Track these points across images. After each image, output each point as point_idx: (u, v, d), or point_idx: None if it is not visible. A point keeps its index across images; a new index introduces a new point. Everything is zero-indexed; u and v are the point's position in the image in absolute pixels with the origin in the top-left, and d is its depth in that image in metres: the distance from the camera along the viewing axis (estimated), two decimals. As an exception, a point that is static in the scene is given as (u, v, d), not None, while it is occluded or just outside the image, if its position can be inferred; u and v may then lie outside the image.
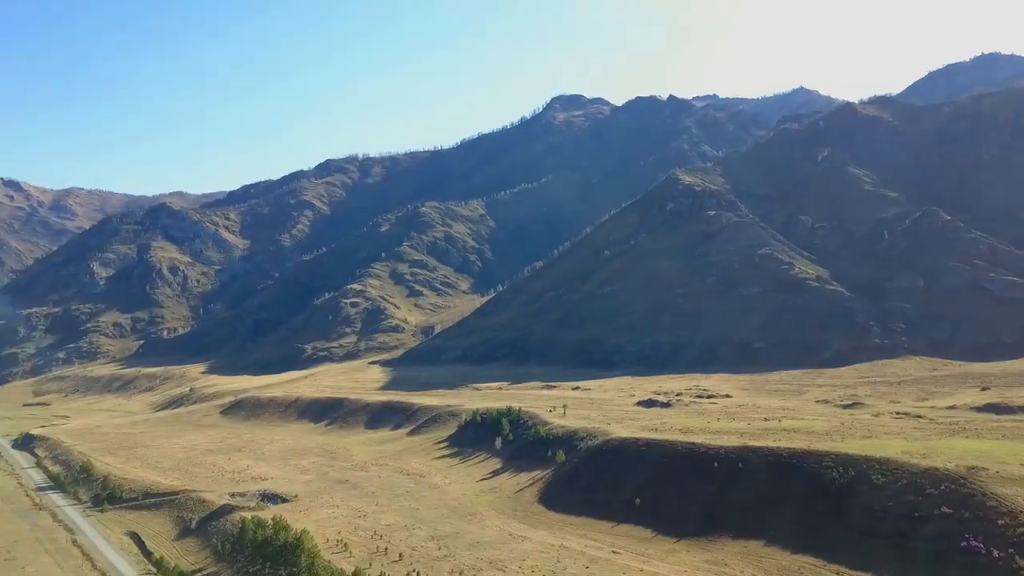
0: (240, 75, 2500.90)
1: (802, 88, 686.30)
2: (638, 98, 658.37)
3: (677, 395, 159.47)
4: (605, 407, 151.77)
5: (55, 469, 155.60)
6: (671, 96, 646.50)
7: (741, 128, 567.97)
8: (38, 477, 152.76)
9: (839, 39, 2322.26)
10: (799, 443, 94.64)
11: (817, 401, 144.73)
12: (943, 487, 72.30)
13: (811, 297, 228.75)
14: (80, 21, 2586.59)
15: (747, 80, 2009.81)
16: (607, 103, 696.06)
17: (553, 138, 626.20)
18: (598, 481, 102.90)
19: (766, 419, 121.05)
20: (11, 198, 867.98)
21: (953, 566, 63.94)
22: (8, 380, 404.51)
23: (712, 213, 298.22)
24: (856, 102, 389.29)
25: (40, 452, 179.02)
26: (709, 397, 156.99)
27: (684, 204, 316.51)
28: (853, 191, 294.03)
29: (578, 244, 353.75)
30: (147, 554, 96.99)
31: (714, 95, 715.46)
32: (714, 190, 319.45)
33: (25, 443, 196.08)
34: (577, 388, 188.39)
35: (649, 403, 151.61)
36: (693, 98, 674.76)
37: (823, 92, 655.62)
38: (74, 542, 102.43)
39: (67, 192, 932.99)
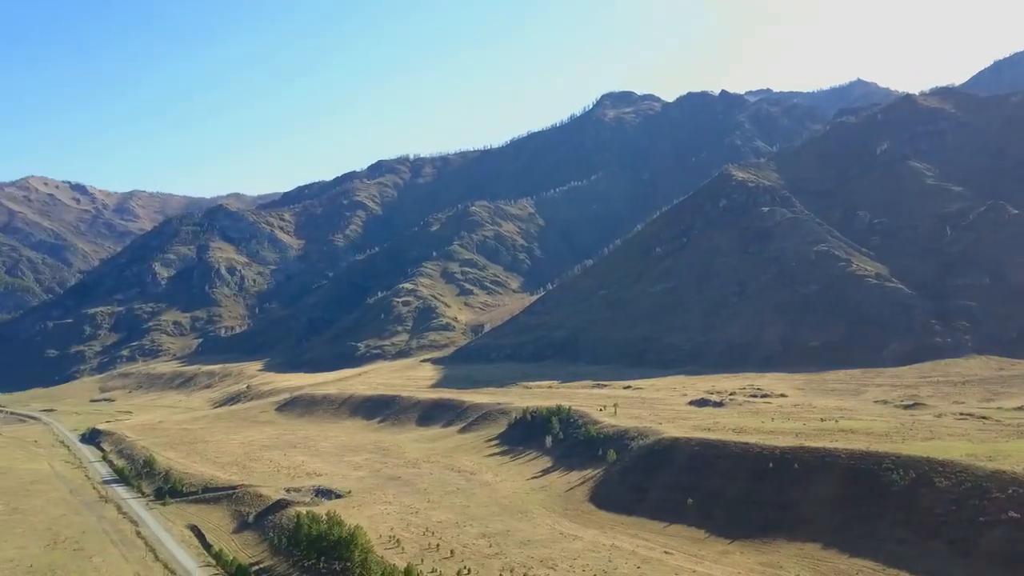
0: (295, 77, 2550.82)
1: (859, 80, 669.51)
2: (689, 94, 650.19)
3: (730, 394, 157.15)
4: (657, 406, 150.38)
5: (120, 463, 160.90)
6: (723, 91, 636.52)
7: (796, 122, 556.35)
8: (104, 470, 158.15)
9: (898, 29, 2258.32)
10: (858, 444, 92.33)
11: (876, 401, 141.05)
12: (1011, 491, 69.66)
13: (870, 295, 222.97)
14: (142, 29, 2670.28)
15: (802, 73, 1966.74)
16: (658, 99, 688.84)
17: (603, 135, 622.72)
18: (649, 481, 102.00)
19: (822, 419, 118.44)
20: (78, 201, 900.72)
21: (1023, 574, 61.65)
22: (76, 377, 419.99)
23: (766, 209, 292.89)
24: (917, 93, 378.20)
25: (106, 446, 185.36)
26: (763, 397, 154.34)
27: (737, 200, 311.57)
28: (914, 185, 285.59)
29: (629, 242, 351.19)
30: (207, 546, 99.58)
31: (767, 89, 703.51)
32: (768, 186, 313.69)
33: (92, 438, 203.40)
34: (628, 387, 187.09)
35: (702, 402, 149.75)
36: (746, 93, 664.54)
37: (882, 84, 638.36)
38: (138, 534, 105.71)
39: (130, 195, 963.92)
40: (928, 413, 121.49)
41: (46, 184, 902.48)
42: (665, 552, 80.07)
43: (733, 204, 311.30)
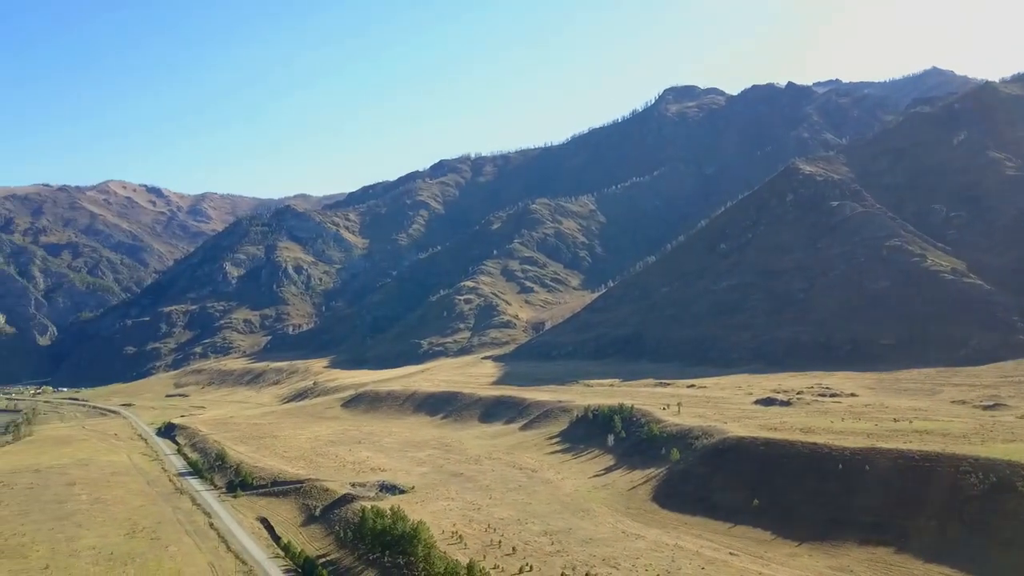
0: (359, 81, 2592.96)
1: (935, 68, 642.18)
2: (754, 86, 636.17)
3: (798, 393, 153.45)
4: (721, 405, 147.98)
5: (193, 456, 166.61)
6: (790, 83, 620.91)
7: (867, 113, 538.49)
8: (179, 463, 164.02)
9: (977, 14, 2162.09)
10: (933, 446, 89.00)
11: (953, 401, 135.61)
12: (1100, 497, 66.22)
13: (946, 291, 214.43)
14: (216, 38, 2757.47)
15: (873, 62, 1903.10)
16: (722, 93, 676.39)
17: (665, 130, 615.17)
18: (714, 481, 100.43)
19: (895, 420, 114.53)
20: (153, 203, 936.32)
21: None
22: (152, 372, 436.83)
23: (835, 204, 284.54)
24: (997, 81, 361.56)
25: (180, 440, 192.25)
26: (832, 396, 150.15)
27: (805, 195, 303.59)
28: (993, 177, 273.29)
29: (692, 238, 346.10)
30: (275, 538, 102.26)
31: (836, 80, 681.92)
32: (837, 180, 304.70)
33: (167, 431, 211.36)
34: (692, 386, 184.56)
35: (768, 401, 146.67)
36: (814, 84, 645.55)
37: (958, 72, 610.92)
38: (211, 525, 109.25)
39: (202, 197, 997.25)
40: (1010, 414, 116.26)
41: (124, 188, 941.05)
42: (730, 553, 78.74)
43: (801, 199, 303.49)
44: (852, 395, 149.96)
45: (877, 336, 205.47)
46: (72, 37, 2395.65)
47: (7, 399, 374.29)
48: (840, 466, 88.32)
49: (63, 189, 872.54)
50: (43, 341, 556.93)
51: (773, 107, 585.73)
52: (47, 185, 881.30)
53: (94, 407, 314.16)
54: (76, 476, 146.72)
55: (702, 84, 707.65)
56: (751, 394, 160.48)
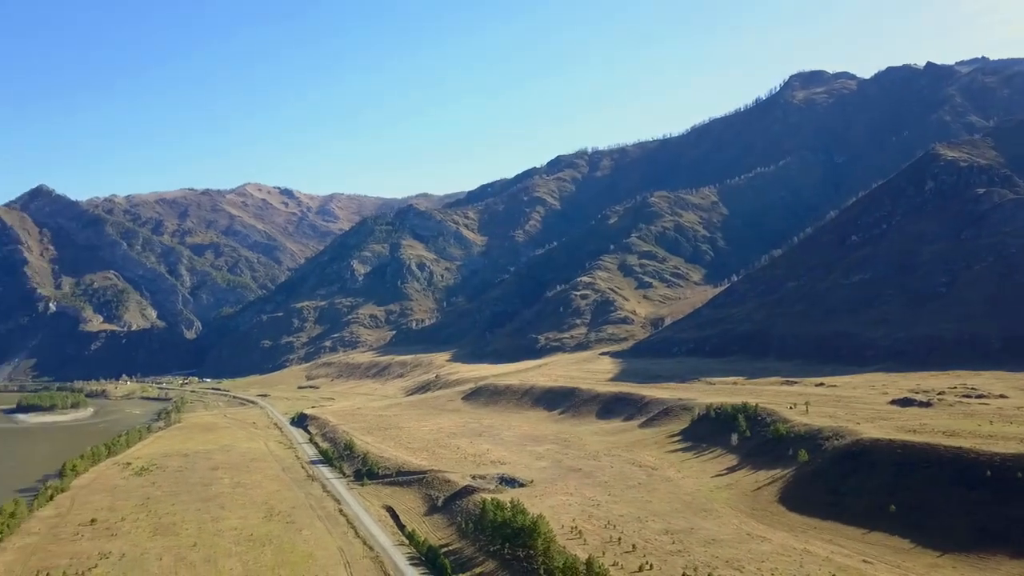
0: (477, 80, 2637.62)
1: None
2: (889, 68, 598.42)
3: (939, 394, 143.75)
4: (853, 405, 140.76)
5: (324, 445, 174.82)
6: (929, 63, 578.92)
7: (1018, 93, 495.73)
8: (311, 451, 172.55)
9: None
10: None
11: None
12: None
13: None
14: (338, 43, 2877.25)
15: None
16: (853, 76, 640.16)
17: (791, 118, 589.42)
18: (845, 484, 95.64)
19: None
20: (286, 204, 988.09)
21: None
22: (286, 365, 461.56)
23: (982, 191, 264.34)
24: None
25: (312, 430, 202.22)
26: (979, 397, 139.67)
27: (947, 182, 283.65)
28: None
29: (821, 230, 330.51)
30: (400, 527, 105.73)
31: (983, 58, 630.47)
32: (984, 165, 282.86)
33: (300, 421, 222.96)
34: (821, 384, 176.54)
35: (905, 402, 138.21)
36: (956, 63, 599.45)
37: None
38: (340, 511, 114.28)
39: (330, 197, 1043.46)
40: None
41: (259, 190, 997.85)
42: (864, 561, 74.77)
43: (941, 186, 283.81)
44: (1002, 396, 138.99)
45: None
46: (217, 51, 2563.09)
47: (159, 389, 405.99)
48: (989, 473, 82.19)
49: (206, 193, 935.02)
50: (189, 335, 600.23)
51: (910, 90, 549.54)
52: (192, 189, 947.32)
53: (234, 397, 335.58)
54: (219, 461, 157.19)
55: (831, 69, 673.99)
56: (886, 394, 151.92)
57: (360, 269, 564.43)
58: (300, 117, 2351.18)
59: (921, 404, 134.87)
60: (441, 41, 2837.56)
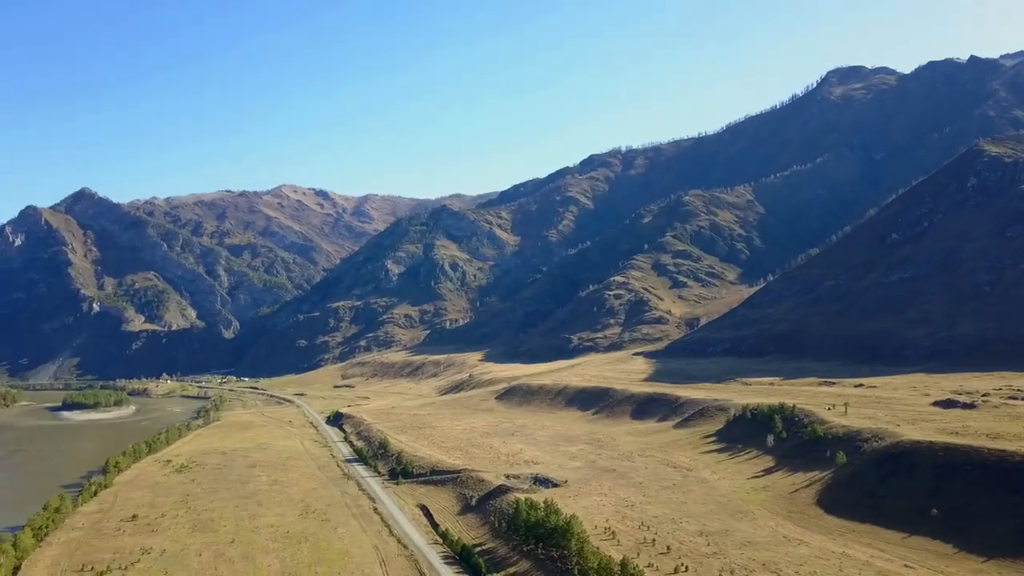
0: (511, 80, 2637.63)
1: None
2: (931, 63, 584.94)
3: (983, 395, 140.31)
4: (893, 406, 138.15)
5: (359, 444, 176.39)
6: (972, 57, 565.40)
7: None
8: (346, 450, 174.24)
9: None
10: None
11: None
12: None
13: None
14: (369, 48, 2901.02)
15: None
16: (892, 72, 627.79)
17: (828, 115, 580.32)
18: (885, 486, 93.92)
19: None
20: (321, 205, 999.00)
21: None
22: (321, 364, 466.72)
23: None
24: None
25: (347, 428, 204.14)
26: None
27: (991, 179, 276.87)
28: None
29: (860, 228, 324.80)
30: (434, 525, 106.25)
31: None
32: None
33: (335, 420, 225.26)
34: (860, 385, 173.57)
35: (948, 403, 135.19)
36: (1001, 57, 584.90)
37: None
38: (375, 509, 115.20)
39: (365, 198, 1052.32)
40: None
41: (295, 191, 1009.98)
42: (905, 565, 73.36)
43: (985, 183, 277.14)
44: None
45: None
46: (247, 52, 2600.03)
47: (198, 387, 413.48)
48: (1035, 476, 79.98)
49: (243, 194, 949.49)
50: (227, 334, 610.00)
51: (952, 84, 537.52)
52: (229, 191, 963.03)
53: (271, 396, 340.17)
54: (256, 459, 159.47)
55: (870, 64, 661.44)
56: (928, 395, 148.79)
57: (394, 269, 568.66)
58: (333, 118, 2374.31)
59: (964, 406, 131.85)
60: (473, 40, 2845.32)
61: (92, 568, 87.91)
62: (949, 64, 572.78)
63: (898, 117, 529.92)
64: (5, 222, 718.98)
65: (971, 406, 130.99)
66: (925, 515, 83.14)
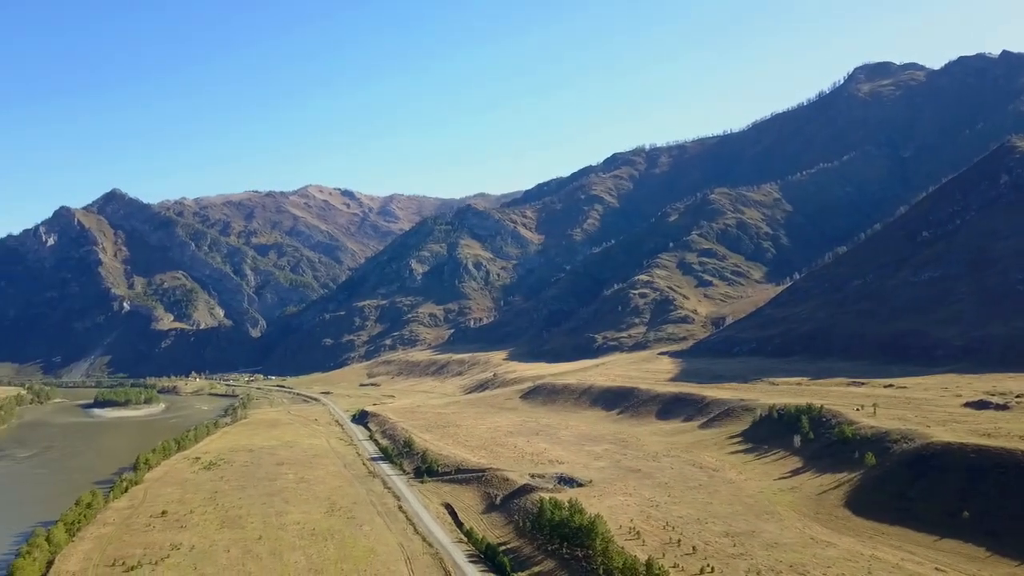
0: (536, 79, 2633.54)
1: None
2: (960, 58, 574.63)
3: (1017, 397, 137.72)
4: (924, 407, 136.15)
5: (384, 442, 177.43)
6: (1004, 51, 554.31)
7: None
8: (371, 448, 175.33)
9: None
10: None
11: None
12: None
13: None
14: (395, 50, 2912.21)
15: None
16: (921, 67, 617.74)
17: (856, 112, 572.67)
18: (915, 489, 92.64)
19: None
20: (347, 205, 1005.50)
21: None
22: (347, 363, 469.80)
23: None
24: None
25: (372, 427, 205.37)
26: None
27: (1023, 175, 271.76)
28: None
29: (889, 226, 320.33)
30: (459, 524, 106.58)
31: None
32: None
33: (361, 418, 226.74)
34: (890, 385, 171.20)
35: (980, 404, 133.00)
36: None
37: None
38: (400, 508, 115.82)
39: (391, 198, 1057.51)
40: None
41: (321, 191, 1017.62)
42: (936, 569, 72.34)
43: (1018, 180, 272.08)
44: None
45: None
46: (271, 51, 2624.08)
47: (226, 385, 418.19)
48: (1070, 479, 78.44)
49: (270, 195, 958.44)
50: (254, 333, 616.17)
51: (983, 80, 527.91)
52: (256, 191, 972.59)
53: (298, 394, 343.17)
54: (283, 457, 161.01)
55: (898, 60, 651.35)
56: (959, 396, 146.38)
57: (419, 268, 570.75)
58: (359, 118, 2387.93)
59: (997, 407, 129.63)
60: (499, 40, 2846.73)
61: (123, 563, 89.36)
62: (980, 59, 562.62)
63: (927, 114, 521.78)
64: (39, 223, 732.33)
65: (1004, 407, 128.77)
66: (956, 518, 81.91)
